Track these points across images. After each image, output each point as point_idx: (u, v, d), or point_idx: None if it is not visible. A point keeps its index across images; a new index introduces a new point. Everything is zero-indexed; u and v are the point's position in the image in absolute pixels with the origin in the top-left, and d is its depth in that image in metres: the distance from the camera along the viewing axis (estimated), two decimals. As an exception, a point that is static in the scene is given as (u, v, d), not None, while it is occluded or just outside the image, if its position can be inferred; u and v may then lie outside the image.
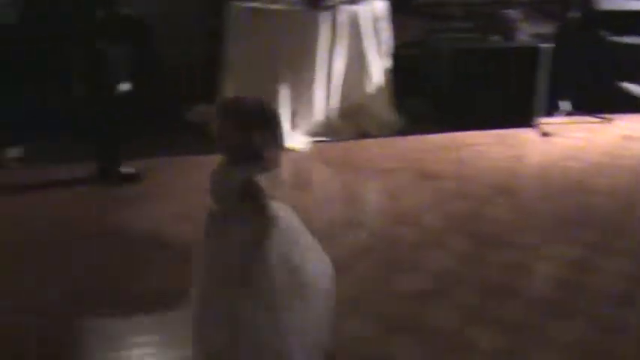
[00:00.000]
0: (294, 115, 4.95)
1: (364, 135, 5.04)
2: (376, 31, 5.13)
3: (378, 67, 5.16)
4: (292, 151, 4.72)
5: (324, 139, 4.94)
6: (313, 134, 4.96)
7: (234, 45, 4.94)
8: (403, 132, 5.13)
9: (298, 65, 4.87)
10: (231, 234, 2.09)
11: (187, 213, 3.55)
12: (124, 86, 5.35)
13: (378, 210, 4.06)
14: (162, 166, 4.35)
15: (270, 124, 2.09)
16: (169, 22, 5.31)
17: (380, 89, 5.20)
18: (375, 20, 5.11)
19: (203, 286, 2.16)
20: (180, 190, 3.96)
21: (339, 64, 5.00)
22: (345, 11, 4.93)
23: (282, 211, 2.18)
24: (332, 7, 4.87)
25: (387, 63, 5.23)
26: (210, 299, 2.13)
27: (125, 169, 4.13)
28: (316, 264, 2.24)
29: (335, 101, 5.05)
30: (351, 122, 5.10)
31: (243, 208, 2.07)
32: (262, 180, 2.08)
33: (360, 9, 5.01)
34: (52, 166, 4.30)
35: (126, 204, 3.80)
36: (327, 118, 5.03)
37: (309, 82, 4.91)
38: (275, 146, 2.10)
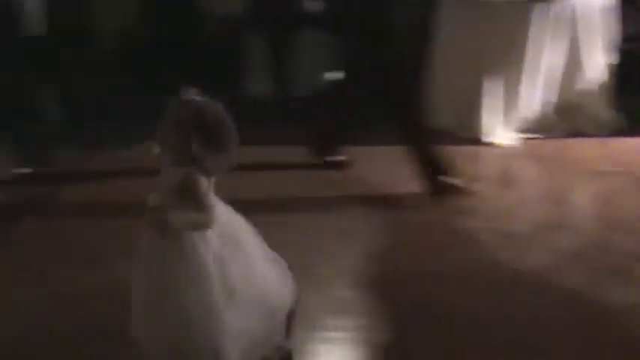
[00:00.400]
0: (502, 110, 4.81)
1: (579, 133, 4.77)
2: (598, 25, 4.81)
3: (598, 63, 4.85)
4: (500, 147, 4.61)
5: (535, 135, 4.75)
6: (523, 130, 4.78)
7: (442, 36, 4.89)
8: (622, 133, 4.78)
9: (508, 59, 4.72)
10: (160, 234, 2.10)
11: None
12: (335, 75, 5.54)
13: (589, 214, 3.82)
14: (370, 155, 4.40)
15: (209, 131, 2.09)
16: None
17: (599, 86, 4.88)
18: (597, 13, 4.79)
19: (147, 286, 2.18)
20: (380, 178, 4.04)
21: (555, 59, 4.76)
22: (563, 2, 4.68)
23: (225, 215, 2.20)
24: (549, -2, 4.65)
25: (610, 58, 4.89)
26: (156, 297, 2.15)
27: (333, 157, 4.24)
28: (254, 271, 2.25)
29: (549, 97, 4.83)
30: (565, 119, 4.85)
31: (184, 205, 2.08)
32: (204, 181, 2.09)
33: (579, 0, 4.73)
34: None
35: (322, 189, 3.95)
36: (540, 114, 4.82)
37: (519, 77, 4.73)
38: (216, 154, 2.10)
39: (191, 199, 2.09)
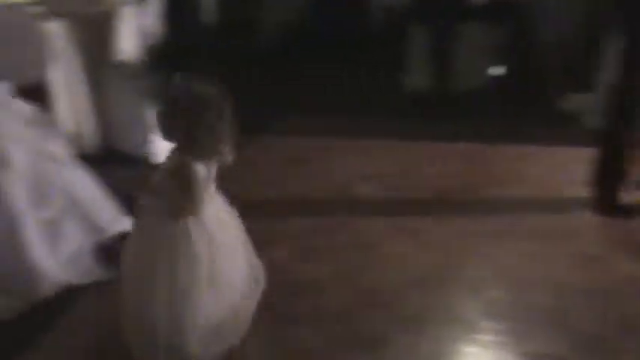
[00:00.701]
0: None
1: None
2: None
3: None
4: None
5: None
6: None
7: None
8: None
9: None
10: (156, 214, 2.20)
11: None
12: (497, 70, 5.40)
13: None
14: (533, 154, 4.27)
15: (200, 114, 2.12)
16: (547, 4, 5.16)
17: None
18: None
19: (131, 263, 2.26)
20: (548, 179, 3.90)
21: None
22: None
23: (213, 203, 2.27)
24: None
25: None
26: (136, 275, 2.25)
27: None
28: (234, 263, 2.33)
29: None
30: None
31: (172, 186, 2.16)
32: (200, 168, 2.14)
33: None
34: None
35: (482, 187, 3.85)
36: None
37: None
38: (208, 137, 2.13)
39: (183, 186, 2.16)
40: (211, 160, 2.23)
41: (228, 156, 2.25)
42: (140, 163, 4.07)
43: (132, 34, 4.06)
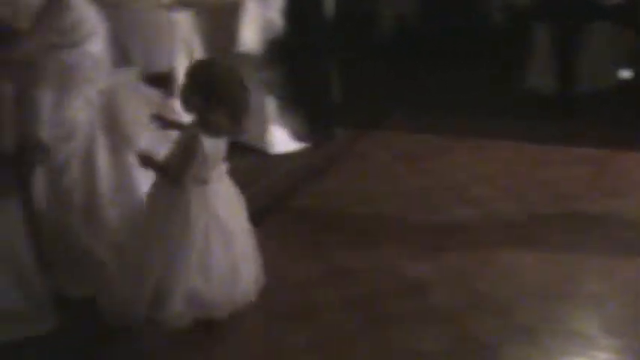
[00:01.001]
0: None
1: None
2: None
3: None
4: None
5: None
6: None
7: None
8: None
9: None
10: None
11: None
12: (625, 73, 5.14)
13: None
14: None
15: (210, 91, 2.18)
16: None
17: None
18: None
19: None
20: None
21: None
22: None
23: (222, 182, 2.35)
24: None
25: None
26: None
27: None
28: (235, 244, 2.37)
29: None
30: None
31: (174, 154, 2.29)
32: (208, 144, 2.22)
33: None
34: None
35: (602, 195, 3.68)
36: None
37: None
38: (223, 116, 2.20)
39: (183, 156, 2.24)
40: (222, 138, 2.28)
41: (240, 134, 2.37)
42: (259, 153, 4.14)
43: (255, 26, 4.13)
